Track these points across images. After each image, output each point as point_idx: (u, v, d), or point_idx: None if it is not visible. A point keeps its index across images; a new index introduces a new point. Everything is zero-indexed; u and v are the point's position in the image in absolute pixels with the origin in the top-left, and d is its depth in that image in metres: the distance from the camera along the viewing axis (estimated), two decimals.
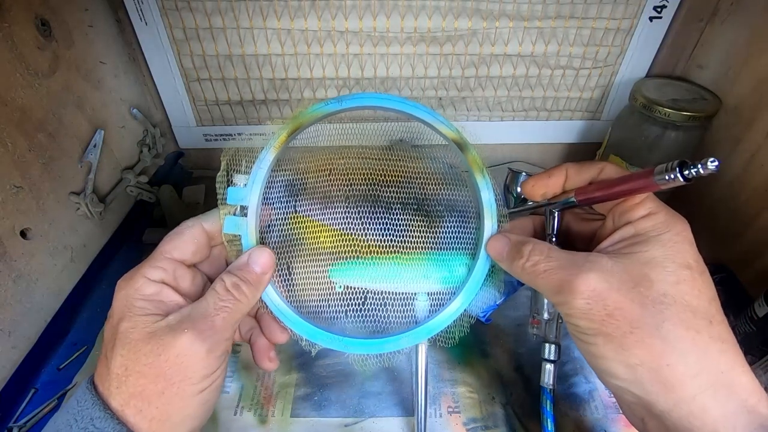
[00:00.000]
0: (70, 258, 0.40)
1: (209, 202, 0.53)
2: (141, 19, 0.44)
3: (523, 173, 0.32)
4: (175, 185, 0.53)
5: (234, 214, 0.28)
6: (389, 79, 0.50)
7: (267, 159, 0.28)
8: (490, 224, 0.27)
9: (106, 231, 0.45)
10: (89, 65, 0.42)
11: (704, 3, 0.45)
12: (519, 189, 0.30)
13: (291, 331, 0.28)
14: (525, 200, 0.29)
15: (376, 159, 0.34)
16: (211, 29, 0.45)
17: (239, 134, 0.54)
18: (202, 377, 0.23)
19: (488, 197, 0.27)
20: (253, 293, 0.26)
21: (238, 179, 0.28)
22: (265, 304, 0.28)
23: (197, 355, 0.23)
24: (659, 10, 0.46)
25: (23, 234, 0.35)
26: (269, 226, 0.29)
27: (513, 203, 0.32)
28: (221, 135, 0.54)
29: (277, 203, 0.29)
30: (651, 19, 0.47)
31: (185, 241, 0.27)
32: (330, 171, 0.31)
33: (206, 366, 0.23)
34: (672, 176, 0.20)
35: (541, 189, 0.27)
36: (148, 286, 0.25)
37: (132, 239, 0.49)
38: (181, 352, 0.23)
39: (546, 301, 0.28)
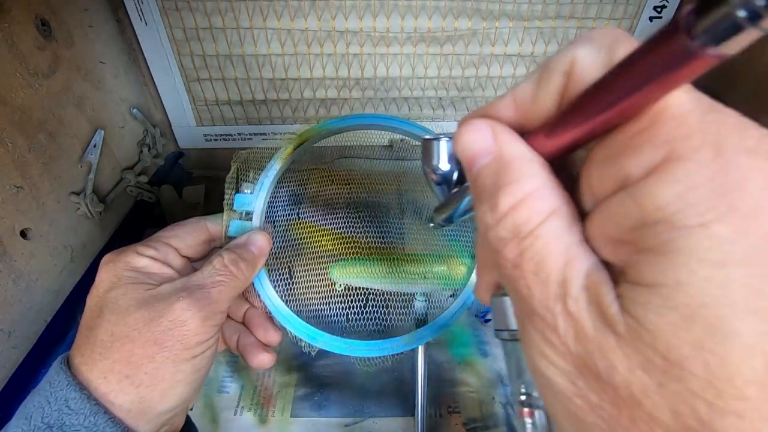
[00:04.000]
0: (70, 258, 0.40)
1: (209, 202, 0.53)
2: (141, 19, 0.44)
3: (443, 138, 0.17)
4: (175, 185, 0.53)
5: (239, 219, 0.29)
6: (389, 79, 0.50)
7: (273, 169, 0.30)
8: None
9: (106, 231, 0.45)
10: (89, 65, 0.42)
11: None
12: (445, 162, 0.17)
13: (291, 333, 0.28)
14: (461, 179, 0.18)
15: (375, 159, 0.34)
16: (211, 29, 0.45)
17: (239, 134, 0.54)
18: (197, 343, 0.23)
19: None
20: (250, 272, 0.26)
21: (245, 187, 0.29)
22: (265, 305, 0.28)
23: (192, 322, 0.22)
24: (659, 10, 0.46)
25: (23, 234, 0.35)
26: (272, 231, 0.30)
27: (444, 191, 0.18)
28: (221, 135, 0.54)
29: (280, 210, 0.30)
30: (651, 19, 0.47)
31: (185, 232, 0.27)
32: (332, 180, 0.32)
33: (201, 333, 0.23)
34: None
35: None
36: (139, 259, 0.25)
37: (132, 239, 0.49)
38: (176, 318, 0.22)
39: None
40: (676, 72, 0.09)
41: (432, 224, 0.21)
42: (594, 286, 0.11)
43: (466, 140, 0.14)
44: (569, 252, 0.12)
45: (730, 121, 0.11)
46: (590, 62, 0.12)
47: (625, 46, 0.10)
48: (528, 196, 0.12)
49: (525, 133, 0.14)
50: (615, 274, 0.11)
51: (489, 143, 0.13)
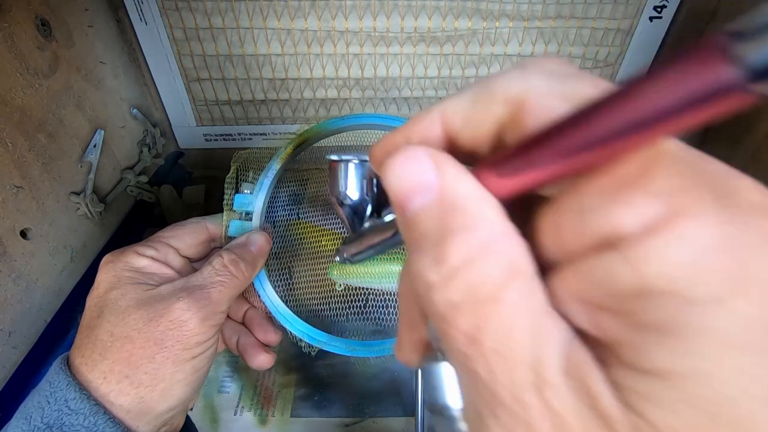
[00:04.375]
0: (70, 258, 0.40)
1: (209, 202, 0.53)
2: (141, 19, 0.44)
3: (352, 159, 0.15)
4: (175, 185, 0.53)
5: (239, 219, 0.29)
6: (389, 79, 0.50)
7: (273, 169, 0.30)
8: None
9: (106, 231, 0.45)
10: (89, 65, 0.42)
11: (704, 3, 0.45)
12: (354, 189, 0.14)
13: (291, 333, 0.28)
14: (380, 208, 0.14)
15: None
16: (211, 29, 0.45)
17: (239, 134, 0.54)
18: (196, 344, 0.23)
19: None
20: (250, 272, 0.26)
21: (245, 187, 0.30)
22: (265, 305, 0.28)
23: (192, 322, 0.22)
24: (659, 10, 0.46)
25: (23, 234, 0.35)
26: (272, 231, 0.30)
27: (355, 223, 0.15)
28: (221, 135, 0.54)
29: (280, 210, 0.30)
30: (651, 19, 0.47)
31: (185, 232, 0.27)
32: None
33: (201, 333, 0.23)
34: None
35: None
36: (139, 259, 0.25)
37: (132, 239, 0.49)
38: (176, 318, 0.22)
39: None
40: (699, 109, 0.07)
41: (338, 258, 0.17)
42: (577, 369, 0.09)
43: (400, 172, 0.11)
44: (536, 323, 0.09)
45: (720, 169, 0.09)
46: (549, 94, 0.10)
47: (581, 79, 0.09)
48: (486, 249, 0.10)
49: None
50: (598, 350, 0.09)
51: (430, 178, 0.10)
